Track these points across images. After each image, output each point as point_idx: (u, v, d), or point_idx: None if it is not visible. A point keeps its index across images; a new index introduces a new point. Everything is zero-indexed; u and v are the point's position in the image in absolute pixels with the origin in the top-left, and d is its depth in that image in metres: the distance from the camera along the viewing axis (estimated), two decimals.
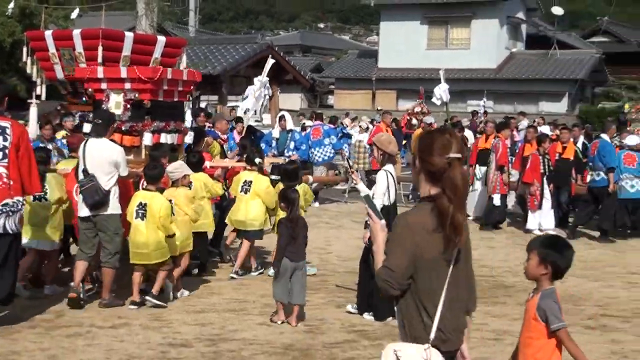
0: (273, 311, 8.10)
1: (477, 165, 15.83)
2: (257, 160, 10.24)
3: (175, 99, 10.79)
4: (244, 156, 10.82)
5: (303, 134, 18.41)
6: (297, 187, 9.20)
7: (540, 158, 14.30)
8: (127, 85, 10.13)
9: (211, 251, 10.95)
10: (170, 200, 8.51)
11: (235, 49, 22.90)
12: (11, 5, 17.09)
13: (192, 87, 11.25)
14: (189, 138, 11.51)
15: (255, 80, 13.90)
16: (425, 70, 36.18)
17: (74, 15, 17.38)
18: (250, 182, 10.13)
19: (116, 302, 8.41)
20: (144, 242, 8.26)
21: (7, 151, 7.43)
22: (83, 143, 8.51)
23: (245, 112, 14.65)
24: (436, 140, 3.69)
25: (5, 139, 7.44)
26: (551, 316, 4.36)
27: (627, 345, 7.39)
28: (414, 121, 20.62)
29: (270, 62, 14.09)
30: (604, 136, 13.94)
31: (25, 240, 8.34)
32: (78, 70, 11.16)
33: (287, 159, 13.75)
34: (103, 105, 9.92)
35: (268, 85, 13.52)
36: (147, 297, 8.38)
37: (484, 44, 37.90)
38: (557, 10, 40.80)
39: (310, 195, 10.35)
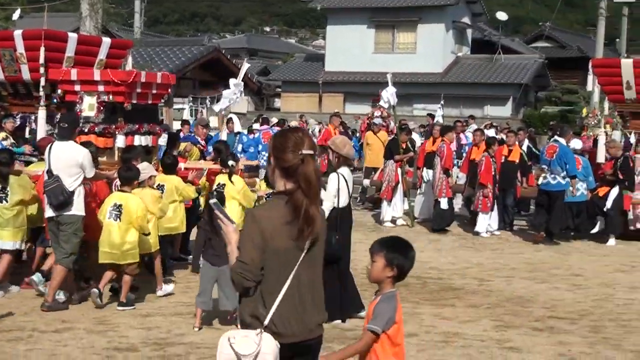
0: (228, 316, 7.94)
1: (424, 168, 15.91)
2: (231, 162, 10.29)
3: (149, 102, 10.88)
4: (219, 159, 10.84)
5: (251, 136, 18.32)
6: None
7: (491, 160, 14.45)
8: (101, 88, 10.24)
9: (180, 257, 11.10)
10: None
11: (181, 51, 22.68)
12: None
13: (167, 90, 11.30)
14: (163, 140, 11.59)
15: (231, 82, 13.81)
16: (372, 74, 36.29)
17: (15, 16, 17.02)
18: (224, 184, 10.19)
19: (60, 306, 8.34)
20: (118, 242, 8.36)
21: None
22: (49, 145, 8.67)
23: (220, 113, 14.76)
24: (289, 139, 3.89)
25: None
26: (377, 317, 4.27)
27: (575, 347, 7.46)
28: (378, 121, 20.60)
29: (246, 65, 14.07)
30: (562, 141, 14.00)
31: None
32: (52, 72, 11.22)
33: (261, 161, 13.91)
34: (76, 107, 10.17)
35: (241, 88, 13.56)
36: (119, 308, 8.43)
37: (430, 48, 38.14)
38: (502, 16, 41.32)
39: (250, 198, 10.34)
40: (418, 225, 15.53)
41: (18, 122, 12.64)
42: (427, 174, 15.79)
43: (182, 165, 10.63)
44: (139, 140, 10.20)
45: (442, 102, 27.51)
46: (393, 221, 15.67)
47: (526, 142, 18.64)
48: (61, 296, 8.48)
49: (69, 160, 8.37)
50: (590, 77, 15.12)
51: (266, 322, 3.79)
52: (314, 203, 3.84)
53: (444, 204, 14.72)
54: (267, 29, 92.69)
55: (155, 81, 10.86)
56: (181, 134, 14.92)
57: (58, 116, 12.85)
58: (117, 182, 9.00)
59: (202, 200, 11.09)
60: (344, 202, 8.25)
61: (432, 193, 15.35)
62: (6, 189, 8.81)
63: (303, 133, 3.97)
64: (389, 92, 15.95)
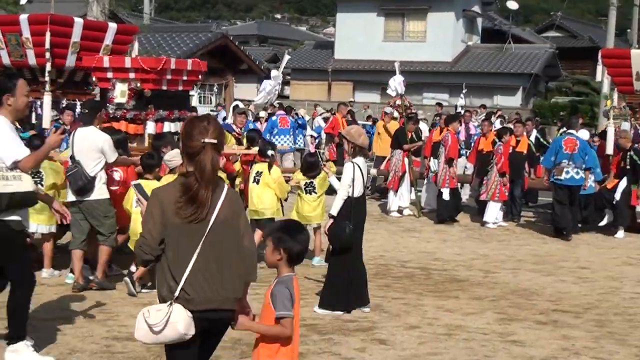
0: None
1: (431, 158, 15.79)
2: (270, 152, 10.40)
3: (180, 88, 10.95)
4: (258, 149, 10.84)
5: (257, 124, 18.28)
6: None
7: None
8: (132, 75, 10.35)
9: None
10: None
11: (189, 38, 22.58)
12: None
13: (198, 77, 11.35)
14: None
15: (272, 74, 13.82)
16: (382, 62, 36.18)
17: (23, 1, 17.01)
18: (261, 172, 10.33)
19: (107, 285, 8.66)
20: None
21: None
22: (73, 132, 8.82)
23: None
24: (195, 127, 4.20)
25: None
26: (279, 303, 4.23)
27: (578, 341, 7.37)
28: (395, 114, 20.50)
29: (286, 57, 14.05)
30: (576, 133, 13.87)
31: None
32: (85, 60, 11.39)
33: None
34: (109, 94, 10.42)
35: (280, 80, 13.59)
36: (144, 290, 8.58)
37: (439, 37, 37.97)
38: (512, 5, 41.02)
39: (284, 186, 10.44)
40: (424, 216, 15.43)
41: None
42: (434, 163, 15.68)
43: None
44: (169, 127, 10.37)
45: (464, 90, 27.36)
46: (400, 211, 15.58)
47: (534, 133, 18.49)
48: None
49: (90, 146, 8.47)
50: (599, 68, 14.98)
51: (177, 292, 4.09)
52: (205, 187, 4.14)
53: (445, 194, 14.59)
54: (278, 16, 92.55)
55: (186, 68, 10.97)
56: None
57: (64, 102, 12.89)
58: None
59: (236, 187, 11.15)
60: (358, 192, 8.19)
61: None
62: (40, 173, 8.97)
63: (209, 122, 4.24)
64: (396, 80, 15.87)
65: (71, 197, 8.54)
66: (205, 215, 4.15)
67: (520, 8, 50.45)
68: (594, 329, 7.83)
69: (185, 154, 4.25)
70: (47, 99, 12.22)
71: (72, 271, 8.75)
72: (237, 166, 11.10)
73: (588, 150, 13.65)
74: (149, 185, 8.29)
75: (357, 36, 38.93)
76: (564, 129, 19.53)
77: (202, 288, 4.12)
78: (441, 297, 9.08)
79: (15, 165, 5.91)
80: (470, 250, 12.31)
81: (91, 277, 8.68)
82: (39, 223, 8.88)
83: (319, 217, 10.48)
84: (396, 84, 15.82)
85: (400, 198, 15.68)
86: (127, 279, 8.54)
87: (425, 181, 16.27)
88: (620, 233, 13.86)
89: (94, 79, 11.55)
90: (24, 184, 6.08)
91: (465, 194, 17.22)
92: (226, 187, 4.34)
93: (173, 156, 8.95)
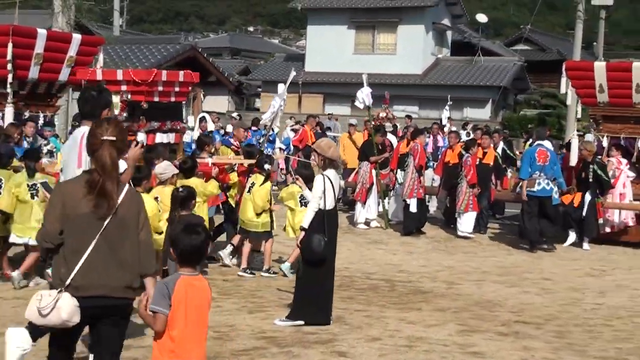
0: None
1: (397, 170, 15.81)
2: (267, 166, 10.51)
3: (173, 100, 11.01)
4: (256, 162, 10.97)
5: (226, 137, 18.27)
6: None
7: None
8: (124, 87, 10.45)
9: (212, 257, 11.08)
10: (156, 198, 8.85)
11: (157, 49, 22.49)
12: None
13: (189, 88, 11.37)
14: (187, 137, 12.16)
15: (279, 89, 13.81)
16: (352, 74, 36.16)
17: None
18: (253, 183, 10.53)
19: None
20: None
21: None
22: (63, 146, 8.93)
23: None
24: (98, 127, 4.67)
25: None
26: (154, 297, 4.43)
27: (538, 352, 7.38)
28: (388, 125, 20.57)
29: (293, 73, 14.06)
30: (547, 144, 13.94)
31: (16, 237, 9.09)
32: (79, 73, 11.52)
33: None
34: None
35: (285, 96, 13.66)
36: None
37: (410, 49, 38.13)
38: (482, 18, 41.35)
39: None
40: (392, 228, 15.44)
41: None
42: (400, 175, 15.70)
43: (209, 160, 10.86)
44: (161, 137, 10.49)
45: (450, 102, 27.45)
46: (367, 223, 15.57)
47: (501, 145, 18.60)
48: None
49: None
50: (563, 80, 15.09)
51: (68, 281, 4.46)
52: (109, 180, 4.53)
53: (413, 206, 14.59)
54: (251, 28, 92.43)
55: (178, 79, 11.02)
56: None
57: (26, 114, 12.79)
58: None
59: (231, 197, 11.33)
60: (330, 204, 8.16)
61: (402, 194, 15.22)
62: (36, 185, 9.03)
63: (109, 123, 4.71)
64: (364, 92, 15.87)
65: None
66: (112, 207, 4.51)
67: (491, 21, 50.91)
68: (554, 340, 7.85)
69: (89, 152, 4.69)
70: (9, 110, 12.12)
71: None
72: (234, 176, 11.16)
73: (556, 161, 13.72)
74: None
75: (328, 49, 38.99)
76: (532, 139, 19.75)
77: (91, 276, 4.48)
78: (404, 309, 9.06)
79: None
80: (436, 262, 12.33)
81: None
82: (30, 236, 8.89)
83: None
84: (364, 95, 15.83)
85: (368, 210, 15.68)
86: None
87: (392, 193, 16.29)
88: (586, 245, 13.94)
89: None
90: None
91: (432, 205, 17.27)
92: (127, 185, 4.75)
93: (164, 168, 9.15)
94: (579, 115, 15.55)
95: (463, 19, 43.61)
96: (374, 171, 15.48)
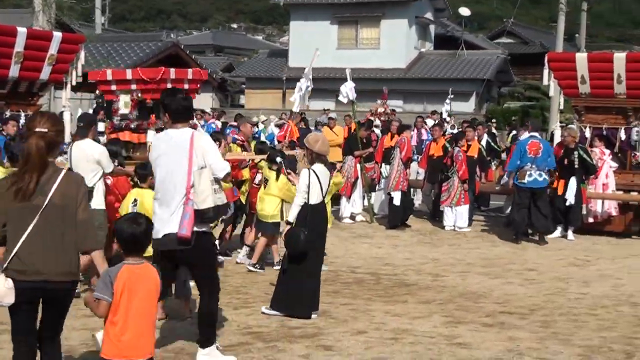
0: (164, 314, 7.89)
1: (382, 164, 15.83)
2: (278, 159, 10.55)
3: None
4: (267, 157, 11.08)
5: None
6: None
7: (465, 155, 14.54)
8: (133, 86, 10.66)
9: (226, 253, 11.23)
10: None
11: (139, 47, 22.37)
12: None
13: (198, 85, 11.40)
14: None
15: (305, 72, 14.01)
16: (336, 69, 36.14)
17: None
18: (267, 180, 10.68)
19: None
20: None
21: None
22: (70, 144, 9.18)
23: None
24: (32, 119, 4.98)
25: None
26: (97, 284, 4.76)
27: (523, 342, 7.40)
28: (377, 122, 20.57)
29: (317, 53, 14.22)
30: (539, 135, 13.94)
31: None
32: (90, 74, 11.78)
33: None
34: (113, 105, 10.81)
35: (310, 77, 13.80)
36: None
37: (393, 43, 38.15)
38: (464, 11, 41.41)
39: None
40: (377, 222, 15.46)
41: None
42: (385, 169, 15.72)
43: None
44: None
45: (450, 96, 27.48)
46: (352, 217, 15.59)
47: (485, 137, 18.66)
48: None
49: (87, 158, 8.73)
50: (545, 72, 15.12)
51: (6, 264, 4.79)
52: (29, 170, 4.81)
53: (396, 199, 14.60)
54: (234, 25, 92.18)
55: (186, 77, 11.07)
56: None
57: (7, 113, 12.72)
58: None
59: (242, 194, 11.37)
60: (315, 199, 8.15)
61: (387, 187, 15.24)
62: None
63: (42, 115, 5.01)
64: (347, 87, 15.88)
65: None
66: (31, 194, 4.79)
67: (475, 15, 51.05)
68: (539, 330, 7.88)
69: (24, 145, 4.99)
70: None
71: None
72: (246, 173, 11.22)
73: (550, 152, 13.65)
74: (144, 193, 8.71)
75: (311, 44, 38.81)
76: (516, 131, 19.81)
77: (34, 262, 4.79)
78: (389, 301, 9.07)
79: (224, 177, 6.44)
80: (421, 255, 12.36)
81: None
82: None
83: None
84: (347, 90, 15.84)
85: (353, 204, 15.69)
86: None
87: (377, 187, 16.30)
88: (571, 235, 14.00)
89: (97, 91, 12.26)
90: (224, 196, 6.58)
91: (417, 199, 17.30)
92: (64, 171, 4.98)
93: None
94: (562, 107, 15.63)
95: (446, 13, 43.67)
96: (358, 165, 15.49)
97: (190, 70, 11.46)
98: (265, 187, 10.67)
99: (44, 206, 4.80)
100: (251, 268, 10.47)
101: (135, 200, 8.82)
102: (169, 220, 6.23)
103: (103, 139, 11.77)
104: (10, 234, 4.85)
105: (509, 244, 13.54)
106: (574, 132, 14.22)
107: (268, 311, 8.12)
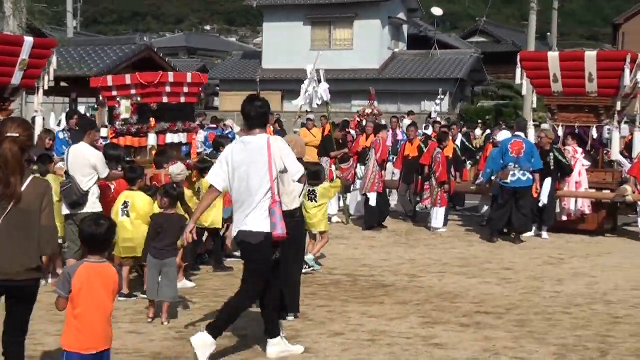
0: (145, 320, 7.90)
1: (358, 165, 15.85)
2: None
3: (182, 100, 11.16)
4: None
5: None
6: None
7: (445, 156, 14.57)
8: (133, 91, 10.75)
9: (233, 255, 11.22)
10: None
11: (113, 51, 22.24)
12: None
13: (199, 89, 11.45)
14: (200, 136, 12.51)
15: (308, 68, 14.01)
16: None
17: None
18: None
19: None
20: (130, 237, 8.92)
21: None
22: (68, 148, 9.46)
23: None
24: (3, 125, 5.15)
25: None
26: (58, 281, 5.10)
27: (499, 342, 7.45)
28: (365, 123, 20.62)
29: (319, 54, 14.27)
30: (523, 135, 13.95)
31: None
32: (92, 80, 11.92)
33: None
34: (115, 111, 10.92)
35: (315, 77, 13.86)
36: (139, 294, 9.00)
37: (366, 44, 38.25)
38: (437, 11, 41.62)
39: None
40: (353, 223, 15.48)
41: None
42: (360, 170, 15.75)
43: None
44: (172, 138, 10.79)
45: (441, 97, 27.59)
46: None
47: (460, 137, 18.76)
48: None
49: (82, 162, 8.92)
50: (518, 71, 15.21)
51: None
52: (11, 174, 5.00)
53: (372, 200, 14.63)
54: (208, 27, 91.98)
55: (186, 81, 11.08)
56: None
57: None
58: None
59: None
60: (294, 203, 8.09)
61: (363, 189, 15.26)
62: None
63: (13, 122, 5.23)
64: (321, 88, 15.88)
65: (66, 211, 9.00)
66: (20, 197, 5.02)
67: (447, 15, 51.28)
68: (515, 329, 7.93)
69: None
70: None
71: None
72: None
73: (534, 152, 13.59)
74: (135, 196, 9.02)
75: (285, 45, 38.97)
76: (492, 131, 19.91)
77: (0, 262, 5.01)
78: (366, 303, 9.09)
79: (300, 179, 6.76)
80: (397, 256, 12.39)
81: None
82: None
83: (320, 223, 10.85)
84: (322, 91, 15.84)
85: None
86: (140, 295, 8.92)
87: (352, 188, 16.32)
88: (545, 234, 14.10)
89: (100, 97, 12.59)
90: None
91: (393, 199, 17.34)
92: (32, 176, 5.21)
93: (182, 170, 9.52)
94: (535, 106, 15.73)
95: (419, 13, 43.84)
96: (333, 166, 15.50)
97: (189, 74, 11.53)
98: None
99: (9, 209, 5.03)
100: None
101: (126, 202, 9.01)
102: (243, 221, 6.61)
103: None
104: None
105: (485, 243, 13.61)
106: (550, 134, 14.30)
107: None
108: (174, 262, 8.15)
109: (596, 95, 14.55)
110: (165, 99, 10.92)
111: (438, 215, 14.73)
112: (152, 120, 10.59)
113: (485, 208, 15.83)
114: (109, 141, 11.41)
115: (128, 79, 10.96)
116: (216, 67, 46.03)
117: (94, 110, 24.79)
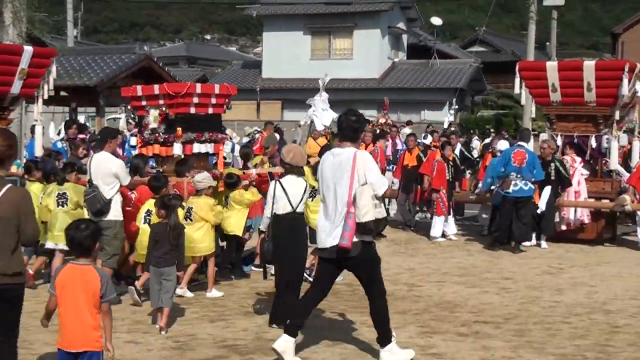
0: (143, 329, 7.91)
1: None
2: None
3: (210, 111, 11.28)
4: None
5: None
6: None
7: (445, 165, 14.54)
8: (161, 101, 10.90)
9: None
10: (190, 207, 9.54)
11: (112, 60, 22.25)
12: None
13: (226, 100, 11.67)
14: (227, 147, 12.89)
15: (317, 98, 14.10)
16: (310, 80, 36.16)
17: None
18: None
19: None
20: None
21: None
22: (90, 157, 9.73)
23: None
24: None
25: None
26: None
27: (498, 351, 7.45)
28: (378, 132, 20.67)
29: (327, 78, 14.30)
30: (527, 145, 13.91)
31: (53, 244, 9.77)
32: (123, 90, 11.88)
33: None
34: (144, 120, 11.07)
35: (325, 100, 14.00)
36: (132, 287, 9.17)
37: (366, 54, 38.28)
38: (436, 21, 41.69)
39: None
40: None
41: None
42: None
43: (253, 171, 11.30)
44: (199, 148, 10.92)
45: (455, 106, 27.61)
46: None
47: (459, 146, 18.77)
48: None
49: (104, 171, 9.20)
50: (517, 80, 15.22)
51: None
52: None
53: None
54: (208, 37, 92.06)
55: (214, 92, 11.22)
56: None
57: None
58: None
59: None
60: (282, 208, 8.09)
61: None
62: (66, 193, 9.85)
63: None
64: (321, 97, 15.90)
65: None
66: None
67: (446, 25, 51.37)
68: (513, 339, 7.93)
69: None
70: None
71: None
72: None
73: (536, 162, 13.57)
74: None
75: (284, 55, 39.01)
76: (491, 140, 19.94)
77: None
78: (365, 312, 8.99)
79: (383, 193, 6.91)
80: (396, 265, 12.38)
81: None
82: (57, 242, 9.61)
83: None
84: (321, 100, 15.86)
85: None
86: (131, 287, 9.05)
87: None
88: (544, 243, 14.09)
89: (129, 106, 13.01)
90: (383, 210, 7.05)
91: (392, 209, 17.34)
92: (8, 185, 5.29)
93: (203, 178, 9.70)
94: (534, 115, 15.75)
95: (418, 23, 43.90)
96: None
97: (216, 86, 11.61)
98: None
99: None
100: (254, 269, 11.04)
101: (149, 210, 9.22)
102: (331, 232, 6.89)
103: (135, 152, 12.08)
104: None
105: (484, 252, 13.60)
106: (552, 144, 14.32)
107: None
108: (171, 270, 8.16)
109: (595, 105, 14.57)
110: (192, 110, 11.01)
111: (436, 225, 14.73)
112: (179, 130, 10.69)
113: (485, 217, 15.81)
114: (137, 150, 11.63)
115: (156, 89, 11.08)
116: (216, 77, 46.02)
117: (93, 120, 24.86)
